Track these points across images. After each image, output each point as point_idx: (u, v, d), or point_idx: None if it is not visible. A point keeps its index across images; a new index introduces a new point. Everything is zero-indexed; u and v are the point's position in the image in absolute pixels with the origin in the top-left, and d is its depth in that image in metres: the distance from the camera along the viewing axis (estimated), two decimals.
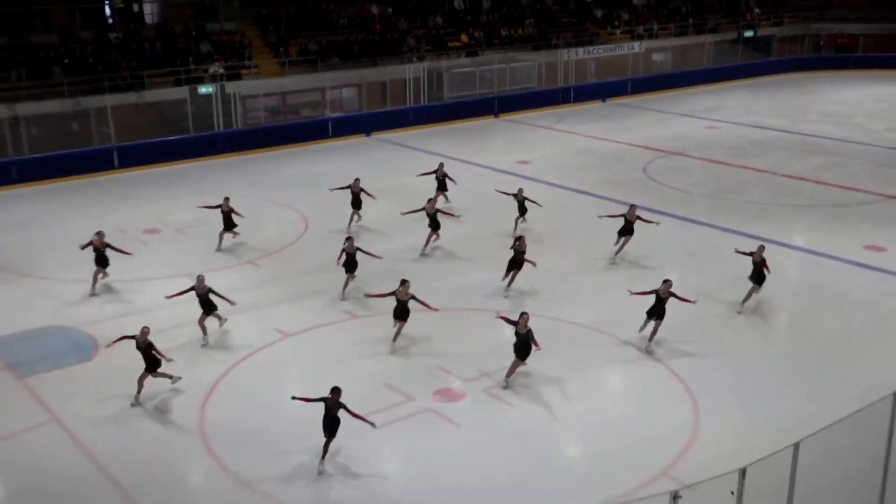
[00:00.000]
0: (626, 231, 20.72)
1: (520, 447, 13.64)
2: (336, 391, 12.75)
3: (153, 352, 14.60)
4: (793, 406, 14.52)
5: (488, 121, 39.05)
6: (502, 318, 15.73)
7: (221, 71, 33.58)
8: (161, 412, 14.45)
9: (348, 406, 12.67)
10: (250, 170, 30.84)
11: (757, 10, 51.89)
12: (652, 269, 20.15)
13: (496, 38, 42.63)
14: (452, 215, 23.27)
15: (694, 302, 16.72)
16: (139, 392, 14.65)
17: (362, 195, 23.16)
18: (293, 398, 13.06)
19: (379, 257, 19.42)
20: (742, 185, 28.19)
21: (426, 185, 24.58)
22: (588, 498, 11.37)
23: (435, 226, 21.50)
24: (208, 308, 16.86)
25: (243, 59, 35.31)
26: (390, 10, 41.23)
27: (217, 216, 21.83)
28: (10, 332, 17.59)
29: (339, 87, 37.34)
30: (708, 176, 29.25)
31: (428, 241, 21.60)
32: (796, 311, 18.27)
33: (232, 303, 17.26)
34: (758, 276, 18.00)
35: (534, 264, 18.85)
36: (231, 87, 33.53)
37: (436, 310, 16.79)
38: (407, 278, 16.73)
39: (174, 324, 17.11)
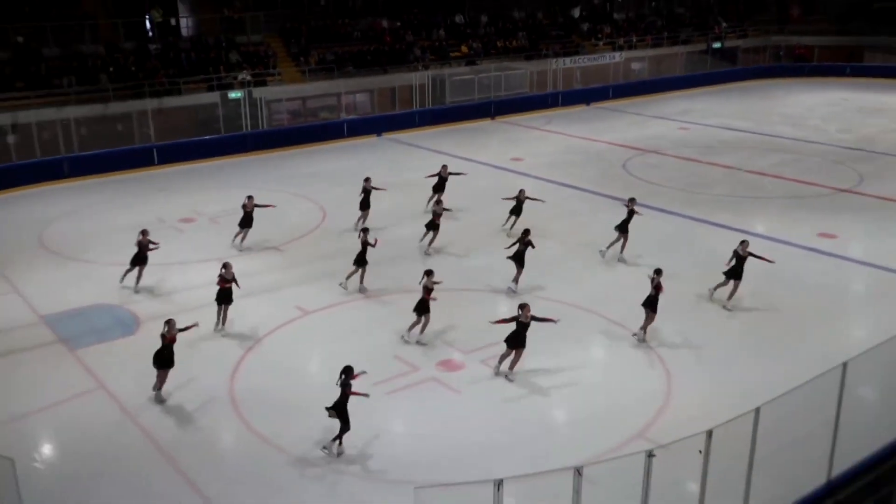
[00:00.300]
0: (623, 228, 19.74)
1: (511, 412, 13.63)
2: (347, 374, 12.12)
3: (172, 350, 13.75)
4: (754, 375, 14.51)
5: (486, 122, 38.89)
6: (500, 321, 14.53)
7: (249, 78, 33.45)
8: (195, 381, 14.41)
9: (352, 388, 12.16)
10: (274, 166, 30.74)
11: (724, 24, 51.65)
12: (631, 254, 20.08)
13: (493, 48, 42.42)
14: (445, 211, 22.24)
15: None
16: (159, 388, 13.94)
17: (372, 195, 22.10)
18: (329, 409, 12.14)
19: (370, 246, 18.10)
20: (711, 179, 28.07)
21: (431, 180, 24.41)
22: (573, 456, 11.35)
23: (435, 227, 20.45)
24: (226, 299, 16.23)
25: (268, 67, 35.19)
26: (399, 24, 41.06)
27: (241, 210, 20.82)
28: (61, 309, 17.59)
29: (353, 92, 37.18)
30: (680, 171, 29.13)
31: (431, 241, 20.56)
32: (757, 291, 18.20)
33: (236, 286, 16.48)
34: (738, 272, 17.13)
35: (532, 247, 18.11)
36: (257, 92, 33.40)
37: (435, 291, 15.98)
38: (429, 268, 16.12)
39: (207, 303, 16.95)
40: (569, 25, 47.09)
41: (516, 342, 14.26)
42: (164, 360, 13.74)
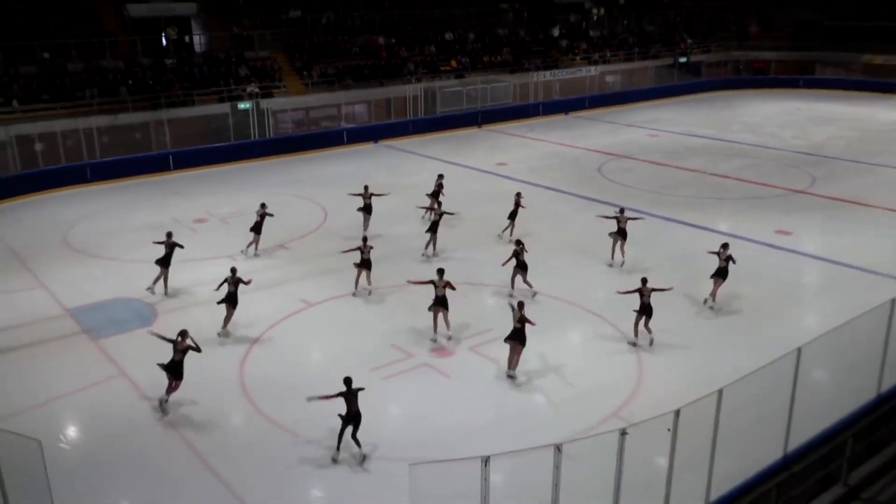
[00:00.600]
0: (620, 233, 19.37)
1: (497, 394, 13.62)
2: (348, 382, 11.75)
3: (182, 360, 13.12)
4: (717, 360, 14.53)
5: (473, 130, 38.81)
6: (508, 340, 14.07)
7: (257, 90, 33.29)
8: (208, 368, 14.30)
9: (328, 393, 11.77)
10: (280, 170, 30.61)
11: (689, 41, 51.77)
12: (606, 251, 20.02)
13: (479, 63, 42.33)
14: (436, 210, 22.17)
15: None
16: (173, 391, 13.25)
17: (372, 199, 21.70)
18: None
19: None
20: (678, 182, 28.08)
21: (426, 184, 24.20)
22: (554, 435, 11.34)
23: (434, 230, 20.09)
24: (233, 302, 15.65)
25: (274, 80, 35.02)
26: (394, 40, 40.96)
27: (254, 213, 20.44)
28: (85, 302, 17.49)
29: (352, 103, 37.07)
30: (651, 175, 29.14)
31: (434, 245, 20.15)
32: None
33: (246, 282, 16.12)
34: (724, 271, 16.90)
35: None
36: (264, 103, 33.27)
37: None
38: (441, 267, 15.77)
39: (218, 296, 16.82)
40: (549, 42, 47.09)
41: (517, 340, 13.89)
42: (174, 369, 13.02)
